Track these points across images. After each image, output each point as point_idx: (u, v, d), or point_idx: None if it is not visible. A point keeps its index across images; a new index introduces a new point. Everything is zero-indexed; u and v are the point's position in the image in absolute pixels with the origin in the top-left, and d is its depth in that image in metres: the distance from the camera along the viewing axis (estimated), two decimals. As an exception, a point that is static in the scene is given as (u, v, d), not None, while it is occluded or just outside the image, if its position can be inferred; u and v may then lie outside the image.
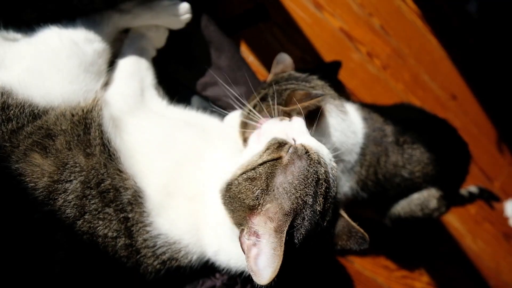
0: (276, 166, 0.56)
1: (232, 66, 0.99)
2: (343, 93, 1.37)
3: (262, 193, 0.55)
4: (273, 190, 0.55)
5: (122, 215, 0.62)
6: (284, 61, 0.90)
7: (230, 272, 0.71)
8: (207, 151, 0.74)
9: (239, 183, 0.58)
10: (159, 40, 0.87)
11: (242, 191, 0.57)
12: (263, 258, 0.51)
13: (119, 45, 0.84)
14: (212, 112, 0.92)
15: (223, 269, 0.72)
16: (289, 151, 0.57)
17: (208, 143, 0.76)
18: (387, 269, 1.43)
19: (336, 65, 1.30)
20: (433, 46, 1.70)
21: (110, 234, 0.61)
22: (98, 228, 0.60)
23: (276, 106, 0.74)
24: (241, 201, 0.56)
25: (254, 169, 0.57)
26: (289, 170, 0.56)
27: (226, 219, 0.61)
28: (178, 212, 0.67)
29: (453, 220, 1.66)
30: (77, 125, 0.64)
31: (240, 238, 0.56)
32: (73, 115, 0.64)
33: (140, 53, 0.83)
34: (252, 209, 0.55)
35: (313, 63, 1.35)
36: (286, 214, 0.53)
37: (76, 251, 0.59)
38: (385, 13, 1.55)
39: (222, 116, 0.94)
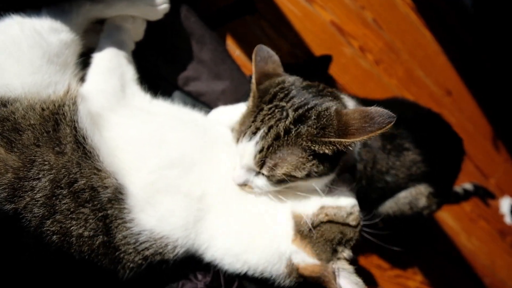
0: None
1: (215, 59, 0.95)
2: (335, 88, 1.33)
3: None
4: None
5: (100, 213, 0.59)
6: (272, 57, 0.73)
7: (221, 269, 0.73)
8: (207, 151, 0.72)
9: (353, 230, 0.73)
10: (136, 32, 0.84)
11: (345, 233, 0.72)
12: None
13: (94, 37, 0.80)
14: (194, 107, 0.88)
15: (213, 267, 0.74)
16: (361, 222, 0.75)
17: (205, 141, 0.74)
18: (380, 268, 1.40)
19: (326, 60, 1.26)
20: (427, 41, 1.66)
21: (86, 233, 0.58)
22: (71, 228, 0.57)
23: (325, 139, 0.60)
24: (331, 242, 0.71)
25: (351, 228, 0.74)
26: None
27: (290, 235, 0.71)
28: (169, 208, 0.66)
29: (448, 218, 1.63)
30: (47, 121, 0.60)
31: (331, 268, 0.70)
32: (43, 109, 0.61)
33: (118, 46, 0.79)
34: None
35: (303, 58, 1.31)
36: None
37: (45, 252, 0.56)
38: (377, 6, 1.51)
39: (206, 112, 0.90)
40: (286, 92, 0.67)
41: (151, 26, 0.85)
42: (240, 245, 0.70)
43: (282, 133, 0.62)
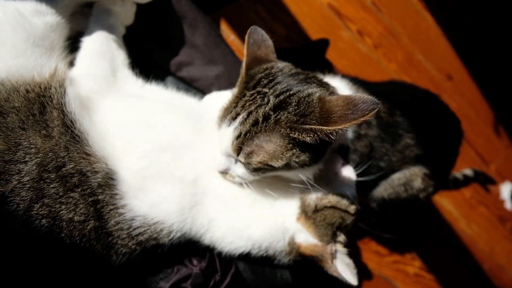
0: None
1: (209, 43, 0.93)
2: (333, 73, 1.31)
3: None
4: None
5: (91, 199, 0.59)
6: (266, 42, 0.70)
7: (221, 251, 0.73)
8: (200, 135, 0.72)
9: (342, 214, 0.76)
10: (127, 15, 0.82)
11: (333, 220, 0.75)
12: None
13: (82, 21, 0.78)
14: (187, 92, 0.87)
15: (209, 252, 0.74)
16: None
17: (197, 125, 0.73)
18: (379, 254, 1.41)
19: (324, 44, 1.24)
20: (428, 24, 1.62)
21: (76, 218, 0.58)
22: (61, 213, 0.57)
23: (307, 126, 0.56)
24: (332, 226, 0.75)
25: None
26: None
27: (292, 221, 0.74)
28: (162, 195, 0.65)
29: (447, 204, 1.62)
30: (32, 103, 0.59)
31: (330, 249, 0.73)
32: (28, 91, 0.60)
33: (108, 30, 0.77)
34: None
35: (300, 42, 1.29)
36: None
37: (35, 236, 0.56)
38: (377, -12, 1.47)
39: (199, 97, 0.89)
40: (271, 78, 0.65)
41: (142, 10, 0.83)
42: (243, 221, 0.71)
43: (260, 119, 0.60)
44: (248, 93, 0.64)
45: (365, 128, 0.81)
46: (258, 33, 0.69)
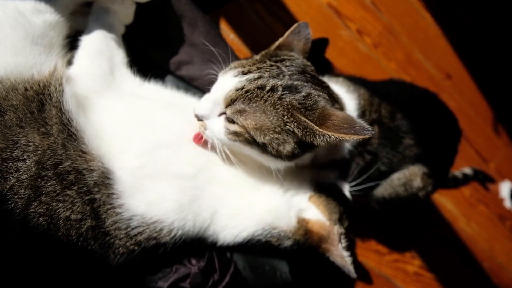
0: None
1: (208, 42, 0.93)
2: (332, 72, 1.31)
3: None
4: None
5: (87, 197, 0.59)
6: (307, 40, 0.70)
7: (223, 244, 0.73)
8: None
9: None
10: (126, 14, 0.82)
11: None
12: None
13: (82, 20, 0.78)
14: (187, 91, 0.87)
15: (208, 251, 0.74)
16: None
17: (195, 123, 0.72)
18: (378, 253, 1.41)
19: (323, 43, 1.24)
20: (427, 23, 1.63)
21: (73, 216, 0.58)
22: (58, 211, 0.57)
23: (307, 122, 0.57)
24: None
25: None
26: None
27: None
28: (160, 193, 0.65)
29: (447, 202, 1.62)
30: (31, 101, 0.59)
31: (338, 230, 0.75)
32: (26, 89, 0.60)
33: (107, 29, 0.78)
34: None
35: (299, 42, 1.29)
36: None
37: (32, 234, 0.56)
38: (376, -13, 1.47)
39: (199, 96, 0.89)
40: (293, 63, 0.66)
41: (142, 9, 0.83)
42: (248, 200, 0.71)
43: (267, 88, 0.60)
44: (268, 62, 0.64)
45: (367, 144, 0.82)
46: (306, 30, 0.71)
